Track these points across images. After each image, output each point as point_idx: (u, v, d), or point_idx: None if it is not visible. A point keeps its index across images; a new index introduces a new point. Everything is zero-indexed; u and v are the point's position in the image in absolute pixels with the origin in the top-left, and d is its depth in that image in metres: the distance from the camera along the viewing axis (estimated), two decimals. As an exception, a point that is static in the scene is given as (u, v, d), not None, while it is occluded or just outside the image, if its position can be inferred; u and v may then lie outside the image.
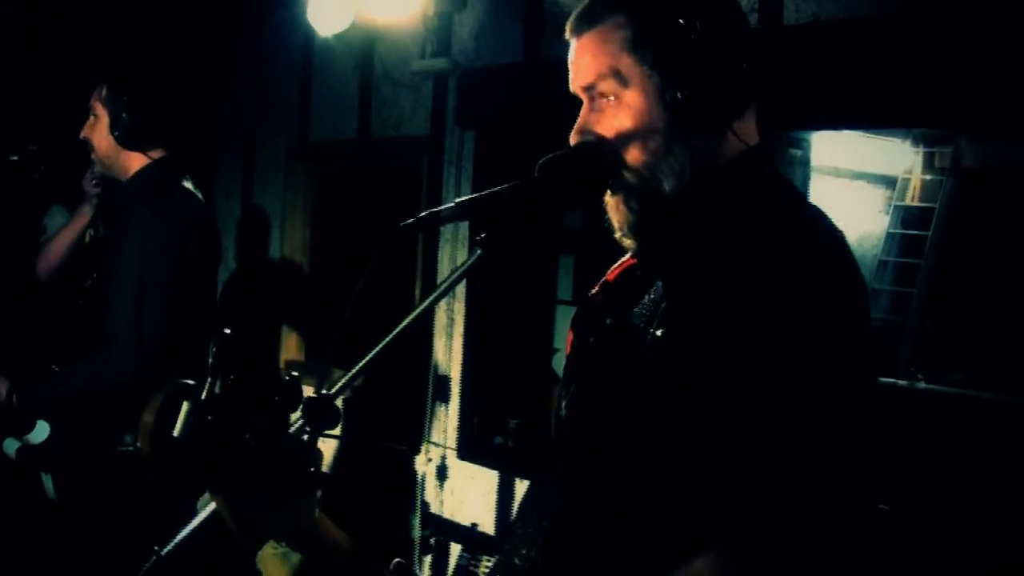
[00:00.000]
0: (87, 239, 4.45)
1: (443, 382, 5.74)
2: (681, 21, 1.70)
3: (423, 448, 5.77)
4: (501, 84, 5.51)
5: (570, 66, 1.81)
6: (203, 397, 1.47)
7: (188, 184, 3.90)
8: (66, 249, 4.46)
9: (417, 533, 5.34)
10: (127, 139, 3.80)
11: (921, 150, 8.52)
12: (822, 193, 7.52)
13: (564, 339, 5.41)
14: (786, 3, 4.16)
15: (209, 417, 1.46)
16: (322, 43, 6.22)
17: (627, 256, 1.88)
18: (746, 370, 1.51)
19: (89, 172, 4.24)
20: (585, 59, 1.76)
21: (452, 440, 5.69)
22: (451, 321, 5.69)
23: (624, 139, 1.72)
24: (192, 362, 3.44)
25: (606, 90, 1.73)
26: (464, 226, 5.16)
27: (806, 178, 7.40)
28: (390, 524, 5.60)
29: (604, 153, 1.73)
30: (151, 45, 6.27)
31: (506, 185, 1.70)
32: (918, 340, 7.96)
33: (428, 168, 5.96)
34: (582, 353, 1.87)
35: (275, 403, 1.50)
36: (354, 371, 1.57)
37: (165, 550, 1.54)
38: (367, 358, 1.58)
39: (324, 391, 1.51)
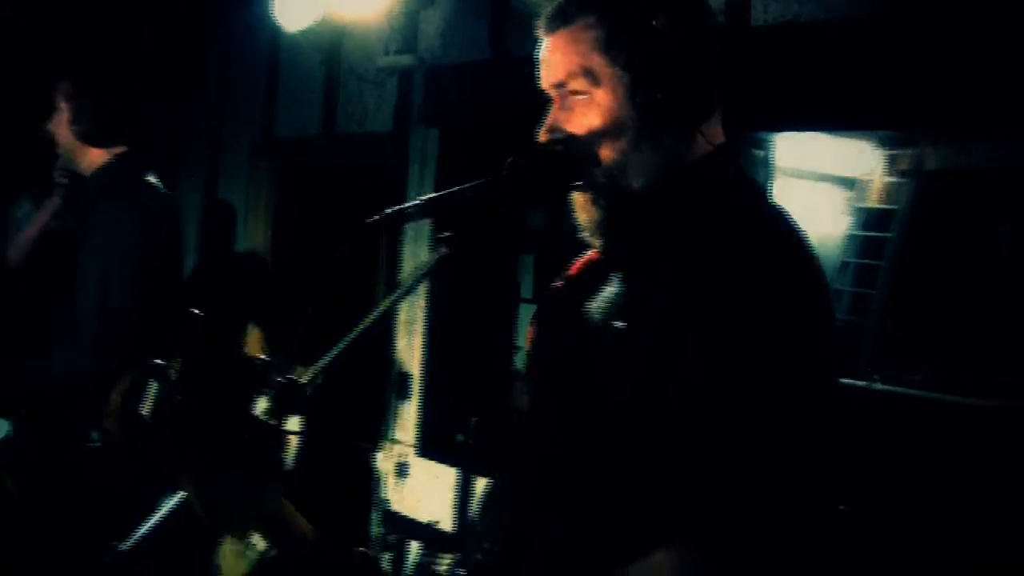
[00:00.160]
0: (52, 230, 4.41)
1: (404, 379, 5.73)
2: (654, 23, 1.71)
3: (383, 445, 5.75)
4: (466, 81, 5.50)
5: (540, 63, 1.81)
6: (173, 377, 1.46)
7: (152, 178, 3.88)
8: (32, 241, 4.42)
9: (376, 530, 5.33)
10: (88, 134, 3.78)
11: (884, 152, 8.55)
12: (785, 194, 7.51)
13: (526, 337, 5.41)
14: (754, 4, 4.18)
15: (178, 397, 1.45)
16: (288, 39, 6.21)
17: (591, 250, 1.88)
18: (710, 367, 1.52)
19: (56, 164, 4.21)
20: (556, 57, 1.76)
21: (412, 437, 5.68)
22: (412, 318, 5.68)
23: (594, 137, 1.73)
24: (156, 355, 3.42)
25: (577, 88, 1.74)
26: (428, 223, 5.16)
27: (768, 179, 7.40)
28: (349, 521, 5.59)
29: (573, 151, 1.73)
30: (115, 40, 6.22)
31: (472, 183, 1.70)
32: (878, 341, 7.99)
33: (392, 165, 5.95)
34: (544, 346, 1.87)
35: (245, 387, 1.49)
36: (323, 362, 1.56)
37: (125, 545, 1.54)
38: (335, 350, 1.58)
39: (291, 377, 1.51)
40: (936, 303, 8.42)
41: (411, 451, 5.68)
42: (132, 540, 1.55)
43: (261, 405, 1.48)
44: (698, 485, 1.50)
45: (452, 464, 5.46)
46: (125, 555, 1.53)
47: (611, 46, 1.72)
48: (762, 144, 7.23)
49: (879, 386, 6.47)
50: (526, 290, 5.49)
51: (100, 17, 6.37)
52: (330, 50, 6.38)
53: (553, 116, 1.78)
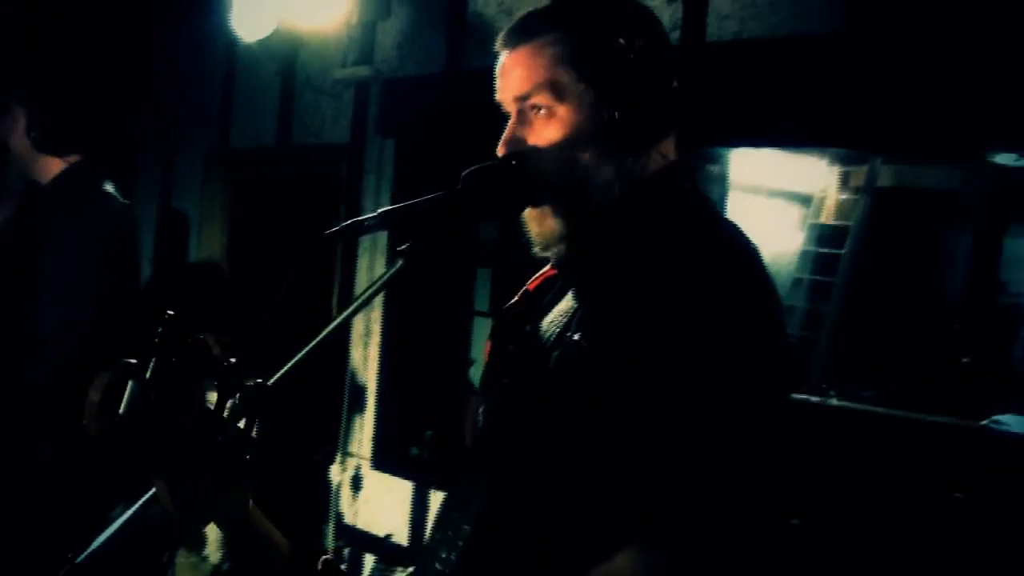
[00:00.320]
0: (4, 239, 4.36)
1: (359, 392, 5.72)
2: (621, 41, 1.72)
3: (338, 458, 5.74)
4: (423, 94, 5.51)
5: (500, 77, 1.80)
6: (147, 377, 1.47)
7: (110, 188, 3.85)
8: None
9: (331, 543, 5.32)
10: (44, 143, 3.74)
11: (837, 169, 8.63)
12: (739, 210, 7.58)
13: (481, 350, 5.43)
14: (709, 20, 4.22)
15: (153, 397, 1.45)
16: (245, 49, 6.19)
17: (548, 267, 1.89)
18: (661, 380, 1.53)
19: (8, 172, 4.16)
20: (519, 71, 1.76)
21: (367, 450, 5.68)
22: (368, 331, 5.68)
23: (554, 152, 1.73)
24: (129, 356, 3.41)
25: (539, 103, 1.74)
26: (383, 235, 5.16)
27: (723, 194, 7.46)
28: (303, 534, 5.57)
29: (531, 165, 1.73)
30: (69, 47, 6.18)
31: (429, 196, 1.70)
32: (831, 357, 8.07)
33: (348, 176, 5.95)
34: (501, 361, 1.87)
35: (216, 389, 1.50)
36: (283, 371, 1.56)
37: (80, 558, 1.53)
38: (294, 359, 1.57)
39: (259, 381, 1.52)
40: (887, 319, 8.52)
41: (366, 463, 5.67)
42: (87, 552, 1.54)
43: (227, 407, 1.49)
44: (651, 494, 1.51)
45: (407, 477, 5.47)
46: (81, 568, 1.52)
47: (577, 62, 1.72)
48: (717, 159, 7.29)
49: (835, 402, 6.54)
50: (481, 303, 5.50)
51: (54, 24, 6.33)
52: (286, 61, 6.37)
53: (512, 130, 1.78)
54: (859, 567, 4.98)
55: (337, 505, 5.63)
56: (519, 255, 1.89)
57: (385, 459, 5.60)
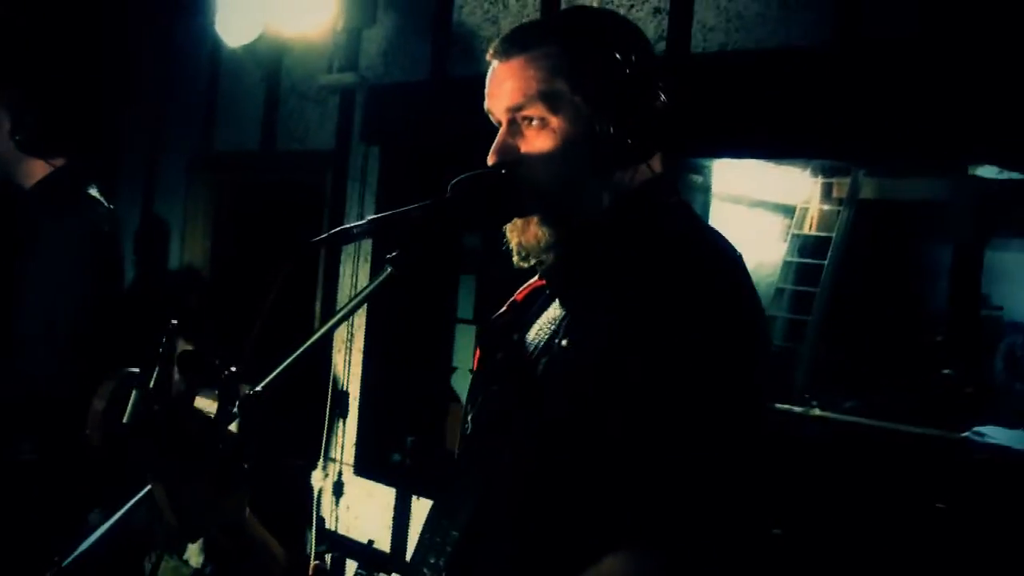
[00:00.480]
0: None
1: (341, 397, 5.72)
2: (618, 56, 1.73)
3: (320, 463, 5.73)
4: (408, 101, 5.52)
5: (491, 87, 1.80)
6: (151, 386, 1.48)
7: (94, 192, 3.84)
8: None
9: (312, 548, 5.30)
10: (30, 145, 3.72)
11: (819, 180, 8.67)
12: (722, 220, 7.61)
13: (464, 358, 5.43)
14: (694, 32, 4.23)
15: (155, 407, 1.46)
16: (229, 53, 6.19)
17: (535, 277, 1.89)
18: (648, 387, 1.54)
19: None
20: (513, 82, 1.76)
21: (349, 456, 5.67)
22: (351, 336, 5.67)
23: (545, 163, 1.74)
24: (102, 370, 3.41)
25: (533, 114, 1.74)
26: (368, 241, 5.16)
27: (706, 205, 7.49)
28: (285, 539, 5.55)
29: (522, 175, 1.74)
30: (54, 50, 6.17)
31: (418, 204, 1.70)
32: (812, 367, 8.10)
33: (332, 182, 5.95)
34: (489, 369, 1.88)
35: (216, 397, 1.51)
36: (271, 377, 1.57)
37: (66, 561, 1.53)
38: (282, 365, 1.58)
39: (257, 389, 1.53)
40: (868, 329, 8.55)
41: (348, 469, 5.67)
42: (74, 556, 1.54)
43: (225, 414, 1.50)
44: (638, 500, 1.52)
45: (389, 483, 5.46)
46: (67, 571, 1.53)
47: (573, 75, 1.73)
48: (700, 170, 7.32)
49: (817, 412, 6.57)
50: (465, 310, 5.51)
51: (39, 26, 6.32)
52: (271, 66, 6.37)
53: (502, 140, 1.78)
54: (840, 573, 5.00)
55: (319, 510, 5.62)
56: (503, 263, 1.89)
57: (367, 465, 5.59)
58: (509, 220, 1.80)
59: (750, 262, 1.73)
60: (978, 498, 5.15)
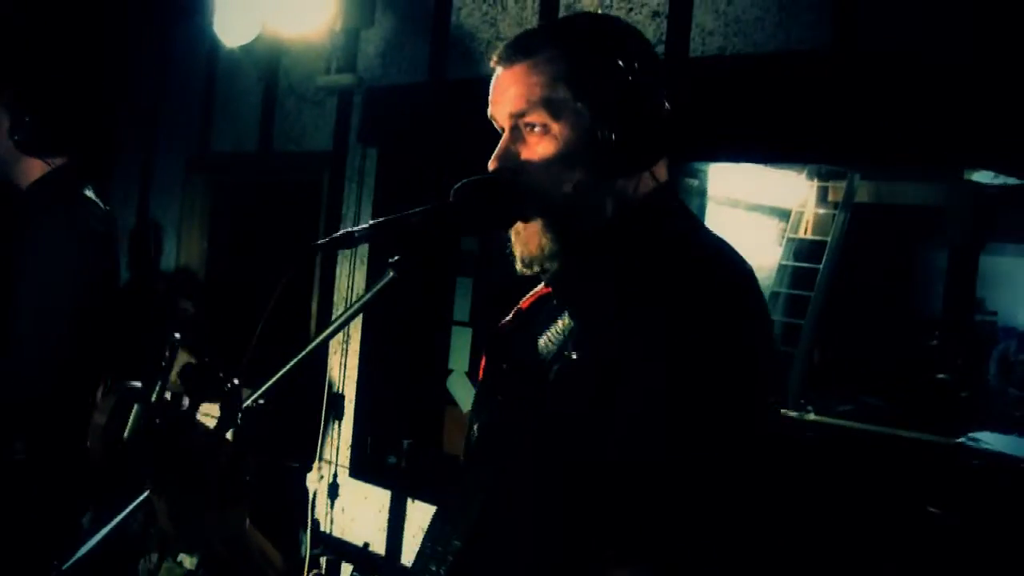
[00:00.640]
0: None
1: (337, 399, 5.72)
2: (620, 63, 1.72)
3: (315, 465, 5.73)
4: (406, 102, 5.52)
5: (495, 93, 1.80)
6: (152, 400, 1.47)
7: (90, 193, 3.83)
8: None
9: (307, 551, 5.30)
10: (28, 145, 3.71)
11: (815, 184, 8.68)
12: (718, 224, 7.56)
13: (459, 360, 5.43)
14: (693, 36, 4.23)
15: (157, 421, 1.46)
16: (227, 54, 6.19)
17: (541, 285, 1.89)
18: (654, 399, 1.54)
19: None
20: (516, 88, 1.76)
21: (345, 458, 5.67)
22: (347, 338, 5.67)
23: (547, 169, 1.73)
24: (95, 372, 3.41)
25: (535, 120, 1.73)
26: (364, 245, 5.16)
27: (702, 208, 7.48)
28: (279, 542, 5.55)
29: (523, 181, 1.74)
30: (54, 50, 6.17)
31: (420, 209, 1.69)
32: (807, 371, 8.11)
33: (329, 184, 5.95)
34: (495, 378, 1.87)
35: (218, 410, 1.51)
36: (271, 382, 1.57)
37: (66, 565, 1.53)
38: (284, 370, 1.58)
39: (260, 401, 1.53)
40: (863, 334, 8.56)
41: (343, 471, 5.67)
42: (74, 559, 1.54)
43: (228, 427, 1.50)
44: (644, 512, 1.51)
45: (384, 486, 5.46)
46: (67, 575, 1.53)
47: (575, 82, 1.72)
48: (696, 173, 7.31)
49: (812, 416, 6.58)
50: (462, 313, 5.51)
51: (38, 26, 6.31)
52: (269, 67, 6.37)
53: (504, 146, 1.77)
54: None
55: (314, 513, 5.62)
56: (499, 266, 1.89)
57: (363, 467, 5.59)
58: (511, 226, 1.79)
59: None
60: (973, 503, 5.16)
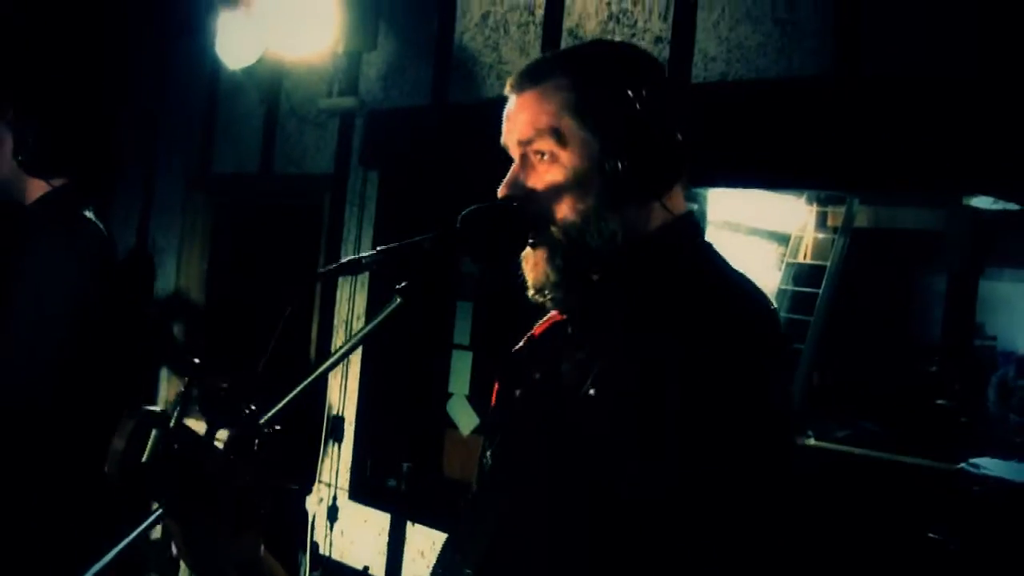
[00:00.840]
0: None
1: (337, 422, 5.71)
2: (629, 92, 1.71)
3: (315, 487, 5.72)
4: (407, 125, 5.53)
5: (506, 121, 1.80)
6: (171, 425, 1.47)
7: (90, 214, 3.83)
8: None
9: (306, 574, 5.29)
10: (31, 165, 3.71)
11: (815, 208, 8.69)
12: (717, 248, 7.60)
13: (459, 384, 5.41)
14: (695, 61, 4.25)
15: (176, 445, 1.46)
16: (229, 76, 6.20)
17: (554, 311, 1.88)
18: (673, 449, 1.53)
19: None
20: (525, 115, 1.75)
21: (344, 481, 5.66)
22: (347, 362, 5.66)
23: (555, 197, 1.72)
24: (99, 392, 3.41)
25: (542, 148, 1.73)
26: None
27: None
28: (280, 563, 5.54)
29: (531, 208, 1.73)
30: (58, 70, 6.17)
31: (427, 235, 1.69)
32: (806, 396, 8.10)
33: (330, 206, 5.96)
34: (508, 405, 1.86)
35: (235, 436, 1.50)
36: (279, 407, 1.56)
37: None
38: (291, 395, 1.58)
39: (276, 427, 1.52)
40: (862, 359, 8.56)
41: (343, 494, 5.66)
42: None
43: (243, 452, 1.50)
44: (660, 550, 1.51)
45: (384, 509, 5.45)
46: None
47: (582, 109, 1.71)
48: (695, 197, 7.32)
49: (812, 442, 6.57)
50: (462, 336, 5.51)
51: (41, 46, 6.32)
52: (270, 89, 6.39)
53: (514, 173, 1.77)
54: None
55: (313, 535, 5.61)
56: (500, 290, 1.88)
57: (362, 490, 5.59)
58: (518, 254, 1.79)
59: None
60: (974, 529, 5.15)
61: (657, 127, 1.73)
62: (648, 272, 1.72)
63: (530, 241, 1.75)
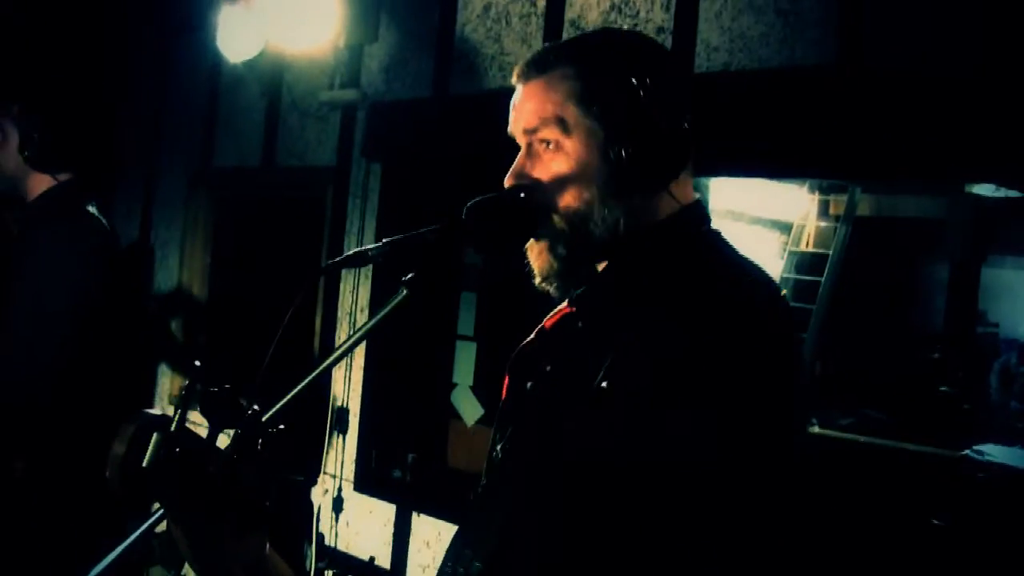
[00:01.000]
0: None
1: (342, 413, 5.72)
2: (633, 80, 1.71)
3: (320, 479, 5.73)
4: (409, 118, 5.53)
5: (513, 110, 1.80)
6: (172, 428, 1.47)
7: (93, 209, 3.83)
8: None
9: (312, 565, 5.30)
10: (37, 160, 3.72)
11: (816, 197, 8.69)
12: (725, 236, 7.59)
13: (463, 374, 5.42)
14: (698, 51, 4.25)
15: (177, 449, 1.46)
16: (230, 69, 6.21)
17: (564, 304, 1.88)
18: (685, 443, 1.53)
19: None
20: (530, 104, 1.76)
21: (349, 472, 5.67)
22: (352, 353, 5.66)
23: (559, 185, 1.72)
24: (100, 388, 3.41)
25: (547, 136, 1.73)
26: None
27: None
28: (284, 556, 5.55)
29: (536, 197, 1.73)
30: (62, 65, 6.18)
31: (433, 227, 1.69)
32: (810, 384, 8.10)
33: (333, 199, 5.96)
34: (519, 398, 1.86)
35: (238, 436, 1.50)
36: (284, 401, 1.57)
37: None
38: (296, 389, 1.58)
39: (281, 427, 1.52)
40: (865, 347, 8.56)
41: (348, 485, 5.67)
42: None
43: (247, 453, 1.49)
44: (677, 551, 1.51)
45: (389, 500, 5.46)
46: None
47: (587, 98, 1.72)
48: (697, 186, 7.32)
49: (816, 430, 6.57)
50: (466, 327, 5.51)
51: (46, 41, 6.33)
52: (272, 82, 6.38)
53: (519, 163, 1.77)
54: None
55: (319, 526, 5.62)
56: (504, 281, 1.89)
57: (367, 481, 5.60)
58: (524, 244, 1.79)
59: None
60: (978, 516, 5.16)
61: (662, 115, 1.72)
62: (653, 260, 1.73)
63: (535, 230, 1.75)
